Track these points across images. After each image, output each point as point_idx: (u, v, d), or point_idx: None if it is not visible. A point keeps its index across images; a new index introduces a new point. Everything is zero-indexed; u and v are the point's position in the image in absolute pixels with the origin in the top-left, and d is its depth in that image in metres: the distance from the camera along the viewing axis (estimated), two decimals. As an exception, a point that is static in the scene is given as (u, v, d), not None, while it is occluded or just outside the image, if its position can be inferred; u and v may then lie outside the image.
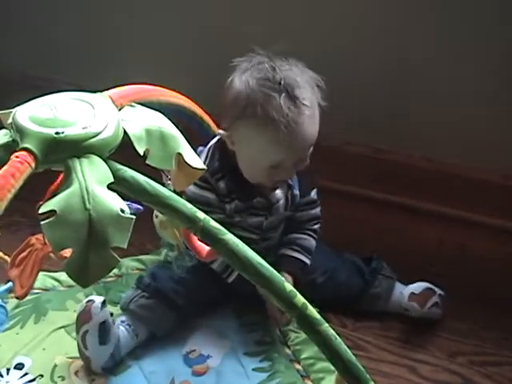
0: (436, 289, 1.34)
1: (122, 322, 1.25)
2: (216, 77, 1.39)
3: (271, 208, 1.28)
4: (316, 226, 1.34)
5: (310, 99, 1.16)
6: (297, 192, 1.29)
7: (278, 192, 1.27)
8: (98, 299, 1.20)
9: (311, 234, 1.34)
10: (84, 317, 1.19)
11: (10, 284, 0.95)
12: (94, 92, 0.78)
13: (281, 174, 1.21)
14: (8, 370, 1.20)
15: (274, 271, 0.68)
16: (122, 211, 0.65)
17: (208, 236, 0.69)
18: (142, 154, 0.72)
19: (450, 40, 1.39)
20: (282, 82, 1.15)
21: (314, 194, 1.33)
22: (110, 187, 0.67)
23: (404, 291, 1.34)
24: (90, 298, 1.22)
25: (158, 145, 0.74)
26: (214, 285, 1.31)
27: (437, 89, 1.44)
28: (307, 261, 1.32)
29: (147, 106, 0.79)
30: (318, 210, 1.35)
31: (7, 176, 0.64)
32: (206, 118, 1.18)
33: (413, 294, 1.32)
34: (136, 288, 1.29)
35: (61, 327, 1.30)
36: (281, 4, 1.49)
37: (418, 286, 1.33)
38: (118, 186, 0.69)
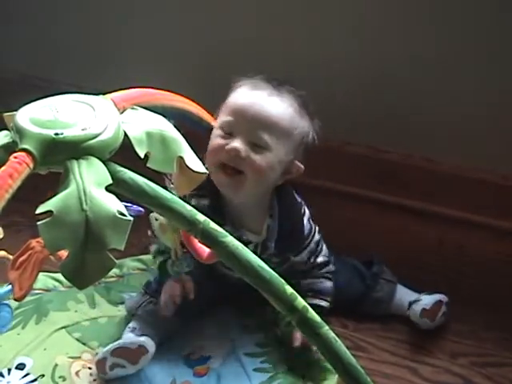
0: (442, 297, 1.33)
1: (134, 328, 1.24)
2: (216, 77, 1.39)
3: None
4: (325, 270, 1.29)
5: (286, 98, 1.16)
6: (271, 244, 1.23)
7: (252, 235, 1.23)
8: (151, 348, 1.19)
9: (325, 276, 1.29)
10: (129, 355, 1.17)
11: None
12: (96, 94, 0.78)
13: (224, 151, 1.14)
14: (9, 370, 1.20)
15: (275, 274, 0.68)
16: (120, 213, 0.65)
17: (208, 238, 0.69)
18: (142, 156, 0.72)
19: (449, 40, 1.39)
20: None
21: (322, 257, 1.28)
22: (109, 189, 0.67)
23: (415, 307, 1.32)
24: (143, 339, 1.19)
25: (159, 148, 0.74)
26: (214, 285, 1.31)
27: (437, 89, 1.44)
28: (324, 304, 1.26)
29: (150, 110, 0.79)
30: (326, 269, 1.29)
31: (5, 176, 0.64)
32: (214, 123, 1.16)
33: (424, 309, 1.31)
34: (144, 293, 1.29)
35: (62, 327, 1.30)
36: (281, 4, 1.49)
37: (428, 301, 1.32)
38: (118, 187, 0.69)
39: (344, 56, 1.46)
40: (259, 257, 1.18)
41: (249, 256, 0.68)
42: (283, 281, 0.69)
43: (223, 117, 1.16)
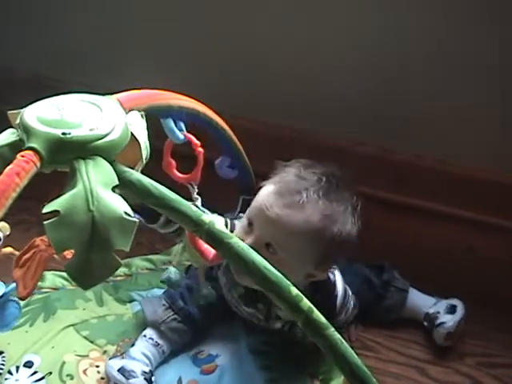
0: (462, 312, 1.32)
1: (151, 339, 1.23)
2: (228, 79, 1.39)
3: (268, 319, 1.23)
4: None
5: (308, 210, 1.07)
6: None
7: (282, 313, 1.20)
8: None
9: None
10: None
11: (17, 283, 0.96)
12: (104, 94, 0.78)
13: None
14: (17, 367, 1.21)
15: (280, 275, 0.68)
16: (126, 214, 0.65)
17: (213, 239, 0.69)
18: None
19: (463, 40, 1.38)
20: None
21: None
22: (115, 190, 0.67)
23: (441, 330, 1.30)
24: None
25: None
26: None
27: (449, 89, 1.43)
28: None
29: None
30: None
31: (12, 174, 0.64)
32: (220, 121, 1.15)
33: (449, 333, 1.30)
34: (167, 307, 1.26)
35: (70, 325, 1.30)
36: (282, 7, 1.48)
37: (451, 323, 1.30)
38: (124, 188, 0.69)
39: (357, 56, 1.46)
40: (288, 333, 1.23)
41: (254, 257, 0.68)
42: (288, 282, 0.68)
43: (250, 207, 1.14)
